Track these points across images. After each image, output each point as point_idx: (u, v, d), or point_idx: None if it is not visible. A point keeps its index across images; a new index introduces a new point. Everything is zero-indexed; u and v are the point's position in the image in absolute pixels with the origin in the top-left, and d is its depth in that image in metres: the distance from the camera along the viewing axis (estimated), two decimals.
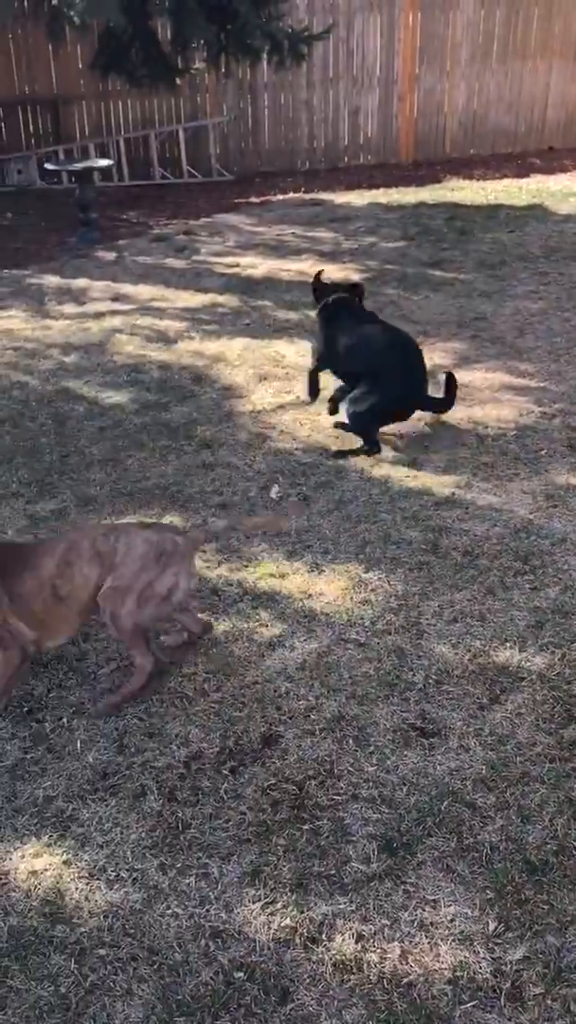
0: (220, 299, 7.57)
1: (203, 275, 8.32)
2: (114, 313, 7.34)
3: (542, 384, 5.57)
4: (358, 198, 11.02)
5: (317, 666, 3.30)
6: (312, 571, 3.86)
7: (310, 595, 3.71)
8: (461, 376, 5.72)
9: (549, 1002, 2.15)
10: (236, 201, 11.43)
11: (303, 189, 11.82)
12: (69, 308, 7.55)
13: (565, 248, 8.32)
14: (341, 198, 11.10)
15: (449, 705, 3.09)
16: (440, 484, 4.52)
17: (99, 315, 7.31)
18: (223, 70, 10.94)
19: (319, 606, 3.64)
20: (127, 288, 8.01)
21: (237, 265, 8.54)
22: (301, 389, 5.66)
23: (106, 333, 6.88)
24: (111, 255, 9.15)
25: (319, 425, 5.20)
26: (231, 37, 9.97)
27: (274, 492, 4.53)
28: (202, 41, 10.01)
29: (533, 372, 5.76)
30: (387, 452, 4.85)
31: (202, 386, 5.84)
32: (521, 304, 6.97)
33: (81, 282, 8.27)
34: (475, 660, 3.30)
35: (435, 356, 6.05)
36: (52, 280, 8.38)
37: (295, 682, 3.22)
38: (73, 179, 10.24)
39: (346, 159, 13.25)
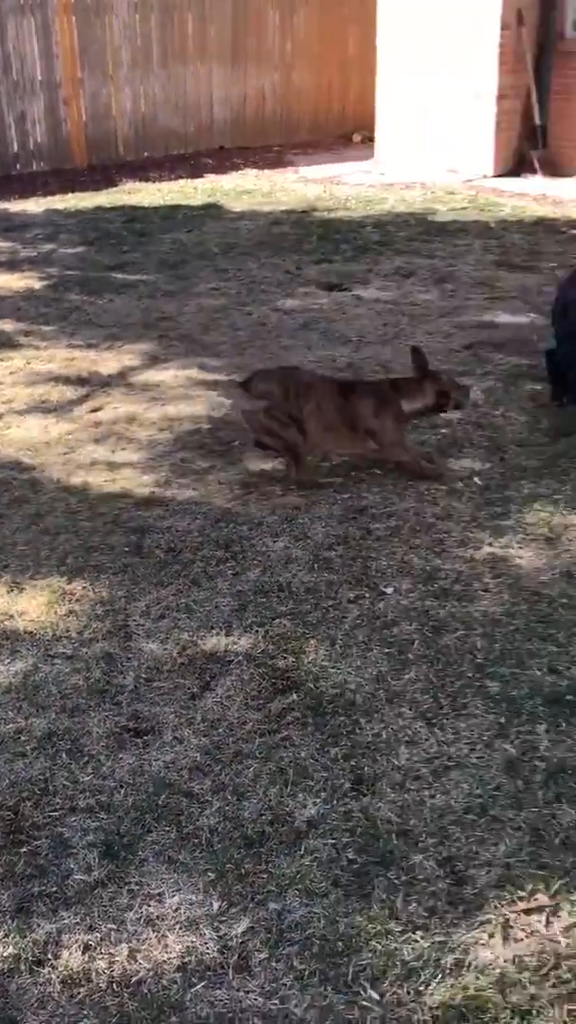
0: None
1: None
2: None
3: (230, 377, 5.72)
4: (34, 205, 10.79)
5: (24, 686, 3.22)
6: (12, 591, 3.75)
7: (11, 615, 3.60)
8: (152, 376, 5.80)
9: (274, 964, 2.25)
10: None
11: None
12: None
13: (241, 244, 8.62)
14: (16, 206, 10.82)
15: (161, 701, 3.13)
16: (140, 484, 4.55)
17: None
18: None
19: (22, 625, 3.55)
20: None
21: None
22: None
23: None
24: None
25: (9, 439, 5.06)
26: None
27: None
28: None
29: (220, 366, 5.92)
30: (85, 458, 4.81)
31: None
32: (204, 301, 7.15)
33: None
34: (184, 652, 3.36)
35: (124, 358, 6.08)
36: None
37: (2, 707, 3.13)
38: None
39: (18, 166, 12.93)
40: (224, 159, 13.28)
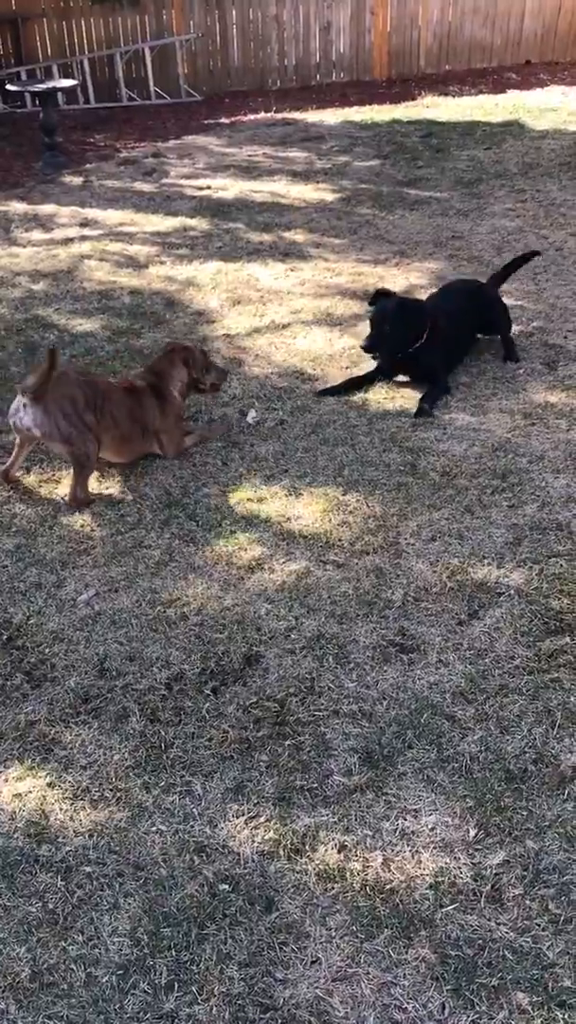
0: (191, 222, 7.40)
1: (173, 198, 8.11)
2: (83, 239, 7.16)
3: (520, 303, 5.49)
4: (331, 117, 10.74)
5: (296, 587, 3.30)
6: (290, 495, 3.84)
7: (289, 518, 3.69)
8: None
9: (528, 902, 2.20)
10: (205, 122, 11.13)
11: (274, 109, 11.50)
12: (36, 235, 7.36)
13: (543, 165, 8.15)
14: (313, 117, 10.82)
15: (428, 621, 3.11)
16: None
17: (67, 241, 7.13)
18: None
19: (298, 528, 3.63)
20: (95, 213, 7.81)
21: (208, 187, 8.34)
22: (275, 312, 5.58)
23: (75, 260, 6.72)
24: (78, 180, 8.90)
25: (294, 349, 5.13)
26: None
27: (251, 417, 4.48)
28: None
29: (511, 291, 5.65)
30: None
31: (174, 311, 5.73)
32: (499, 222, 6.85)
33: (48, 208, 8.06)
34: (453, 577, 3.30)
35: (411, 276, 5.97)
36: (18, 207, 8.15)
37: (275, 603, 3.22)
38: (36, 101, 9.92)
39: (318, 77, 12.90)
40: (529, 74, 12.54)
